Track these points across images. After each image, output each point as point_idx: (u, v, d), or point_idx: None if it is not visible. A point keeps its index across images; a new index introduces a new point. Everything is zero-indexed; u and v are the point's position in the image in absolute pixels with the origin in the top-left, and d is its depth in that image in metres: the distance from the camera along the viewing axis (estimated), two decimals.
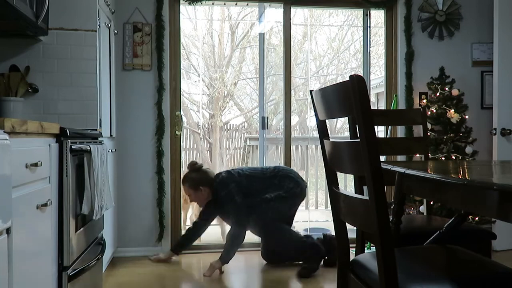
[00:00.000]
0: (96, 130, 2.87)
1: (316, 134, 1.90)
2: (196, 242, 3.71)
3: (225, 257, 3.25)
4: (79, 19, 2.91)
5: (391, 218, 2.04)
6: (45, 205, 1.85)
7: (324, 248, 3.37)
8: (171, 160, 3.86)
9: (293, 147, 4.54)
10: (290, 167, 4.07)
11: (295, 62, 7.36)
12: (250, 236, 3.56)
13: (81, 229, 2.36)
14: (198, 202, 3.57)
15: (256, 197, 3.35)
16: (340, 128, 8.09)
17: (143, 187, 3.76)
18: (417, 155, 3.33)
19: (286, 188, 3.37)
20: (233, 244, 3.27)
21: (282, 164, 4.09)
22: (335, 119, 7.39)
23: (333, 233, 3.58)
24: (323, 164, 1.62)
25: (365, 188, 1.32)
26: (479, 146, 3.99)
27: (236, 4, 4.27)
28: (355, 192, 2.32)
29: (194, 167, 3.52)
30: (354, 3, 4.12)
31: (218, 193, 3.39)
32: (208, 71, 7.87)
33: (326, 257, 3.42)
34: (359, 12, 4.53)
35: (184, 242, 3.59)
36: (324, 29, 7.97)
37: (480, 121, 4.12)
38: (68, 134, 2.15)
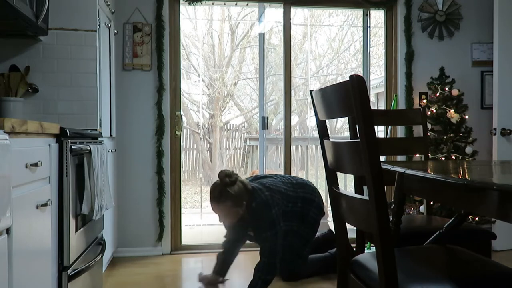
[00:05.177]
0: (96, 130, 2.87)
1: (316, 134, 1.90)
2: (197, 242, 3.68)
3: None
4: (79, 19, 2.91)
5: (391, 218, 2.04)
6: (45, 205, 1.85)
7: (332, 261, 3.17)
8: (171, 160, 3.86)
9: (293, 147, 4.54)
10: (290, 167, 4.07)
11: (295, 62, 7.36)
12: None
13: (81, 229, 2.36)
14: (230, 221, 2.82)
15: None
16: (340, 128, 8.09)
17: (143, 187, 3.76)
18: (417, 155, 3.32)
19: (310, 219, 3.03)
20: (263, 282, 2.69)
21: (282, 165, 4.07)
22: (335, 119, 7.39)
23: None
24: (323, 164, 1.62)
25: (365, 188, 1.32)
26: (479, 146, 3.98)
27: (236, 4, 4.27)
28: (355, 192, 2.32)
29: (232, 178, 2.71)
30: (354, 3, 4.12)
31: (255, 215, 2.73)
32: (208, 71, 7.87)
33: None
34: (359, 12, 4.53)
35: (225, 267, 3.01)
36: (324, 29, 7.97)
37: (480, 121, 4.12)
38: (68, 134, 2.15)
